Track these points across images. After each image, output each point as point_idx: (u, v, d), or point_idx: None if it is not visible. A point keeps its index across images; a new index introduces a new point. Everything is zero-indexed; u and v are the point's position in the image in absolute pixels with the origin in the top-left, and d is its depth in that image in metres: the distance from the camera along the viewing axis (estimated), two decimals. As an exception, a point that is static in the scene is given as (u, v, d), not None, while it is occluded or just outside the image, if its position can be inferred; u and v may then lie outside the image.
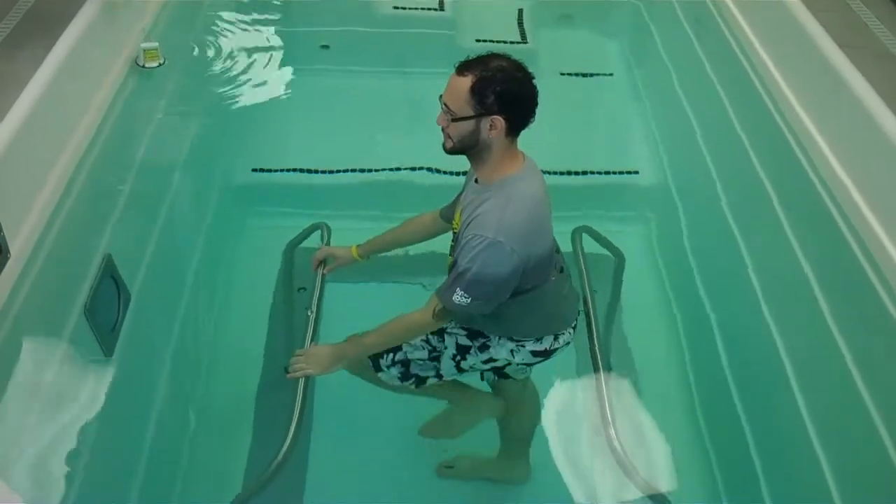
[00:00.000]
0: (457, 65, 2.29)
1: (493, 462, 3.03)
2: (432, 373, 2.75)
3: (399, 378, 2.74)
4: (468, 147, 2.33)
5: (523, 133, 2.37)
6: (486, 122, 2.25)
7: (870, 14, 3.88)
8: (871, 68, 3.36)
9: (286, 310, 3.52)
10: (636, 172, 4.38)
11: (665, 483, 2.89)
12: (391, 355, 2.71)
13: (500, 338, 2.59)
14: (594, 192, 4.30)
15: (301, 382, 2.64)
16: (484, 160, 2.35)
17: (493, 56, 2.29)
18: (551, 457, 3.02)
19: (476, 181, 2.43)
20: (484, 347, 2.62)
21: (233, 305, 3.63)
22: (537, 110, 2.31)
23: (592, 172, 4.32)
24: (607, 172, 4.37)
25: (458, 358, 2.67)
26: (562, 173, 4.22)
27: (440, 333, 2.67)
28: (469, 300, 2.33)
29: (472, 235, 2.28)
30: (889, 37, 3.68)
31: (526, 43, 5.35)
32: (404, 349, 2.71)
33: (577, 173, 4.28)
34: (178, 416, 3.21)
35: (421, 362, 2.73)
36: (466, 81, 2.24)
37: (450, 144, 2.36)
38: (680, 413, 3.24)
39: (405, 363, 2.72)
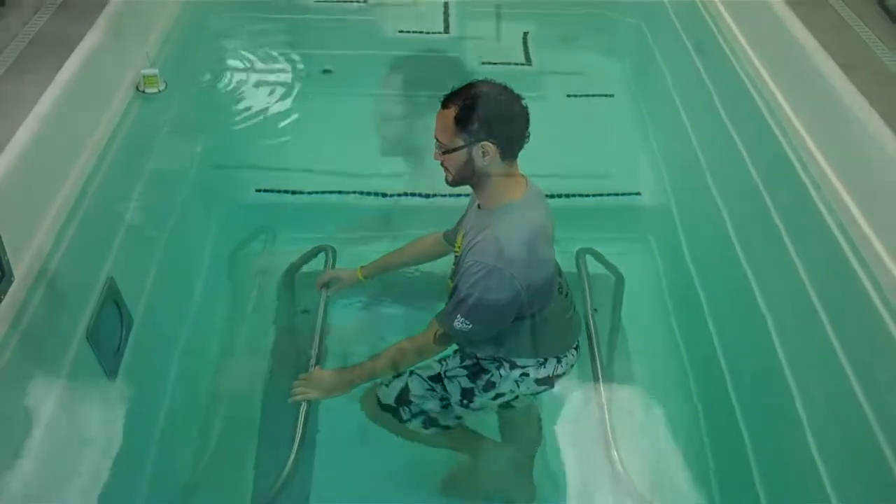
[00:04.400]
0: (441, 99, 2.31)
1: (497, 478, 3.00)
2: (452, 420, 2.74)
3: (423, 426, 2.73)
4: (467, 177, 2.35)
5: (525, 152, 2.38)
6: (477, 150, 2.26)
7: (870, 34, 3.88)
8: (870, 87, 3.34)
9: (289, 332, 3.53)
10: (638, 194, 4.39)
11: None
12: (408, 408, 2.72)
13: (501, 368, 2.57)
14: (596, 213, 4.31)
15: (303, 407, 2.64)
16: (484, 187, 2.36)
17: (475, 83, 2.31)
18: (555, 478, 3.01)
19: (479, 206, 2.43)
20: (489, 385, 2.61)
21: (237, 327, 3.63)
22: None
23: (595, 195, 4.34)
24: (609, 194, 4.37)
25: (466, 401, 2.66)
26: (564, 196, 4.22)
27: (441, 380, 2.67)
28: (470, 326, 2.33)
29: (472, 262, 2.29)
30: (889, 56, 3.68)
31: (530, 65, 5.39)
32: (415, 402, 2.70)
33: (579, 195, 4.28)
34: (182, 437, 3.21)
35: (437, 412, 2.72)
36: (451, 113, 2.26)
37: (450, 178, 2.38)
38: (684, 433, 3.23)
39: (423, 413, 2.72)
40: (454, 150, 2.29)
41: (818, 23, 3.92)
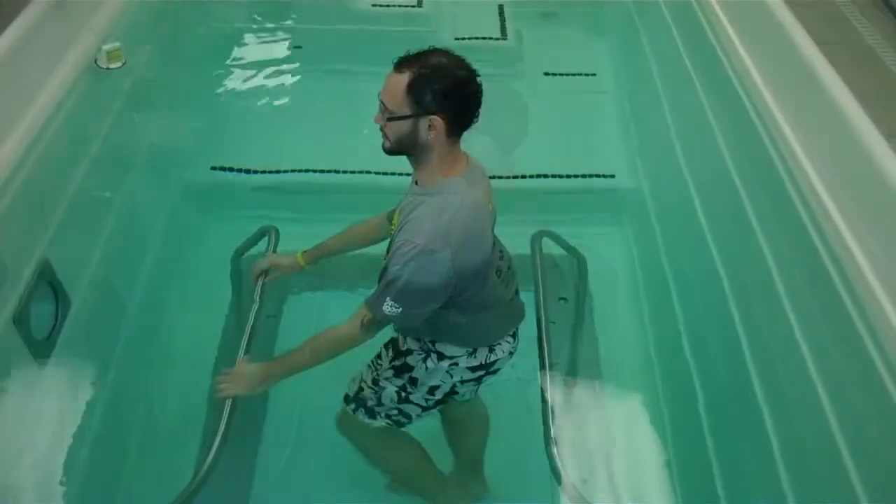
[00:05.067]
0: (395, 61, 2.17)
1: (449, 478, 2.95)
2: (400, 417, 2.66)
3: (370, 416, 2.67)
4: (407, 148, 2.22)
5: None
6: (424, 122, 2.15)
7: (855, 11, 3.76)
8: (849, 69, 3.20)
9: (237, 319, 3.39)
10: (612, 176, 4.29)
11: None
12: (354, 403, 2.67)
13: (428, 360, 2.49)
14: (569, 194, 4.22)
15: (227, 403, 2.52)
16: (423, 162, 2.24)
17: (434, 51, 2.18)
18: (502, 474, 2.97)
19: (416, 183, 2.32)
20: (413, 382, 2.53)
21: (185, 314, 3.57)
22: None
23: (568, 176, 4.23)
24: (583, 176, 4.27)
25: (404, 395, 2.58)
26: (535, 176, 4.15)
27: (377, 382, 2.60)
28: (400, 310, 2.21)
29: (402, 241, 2.17)
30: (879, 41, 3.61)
31: (506, 39, 5.25)
32: (361, 397, 2.66)
33: (551, 176, 4.19)
34: (123, 423, 3.15)
35: (378, 406, 2.64)
36: (404, 79, 2.12)
37: (387, 145, 2.24)
38: (643, 429, 3.19)
39: (366, 408, 2.66)
40: (400, 117, 2.16)
41: (809, 15, 3.83)
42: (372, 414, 2.65)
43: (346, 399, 2.70)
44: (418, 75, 2.12)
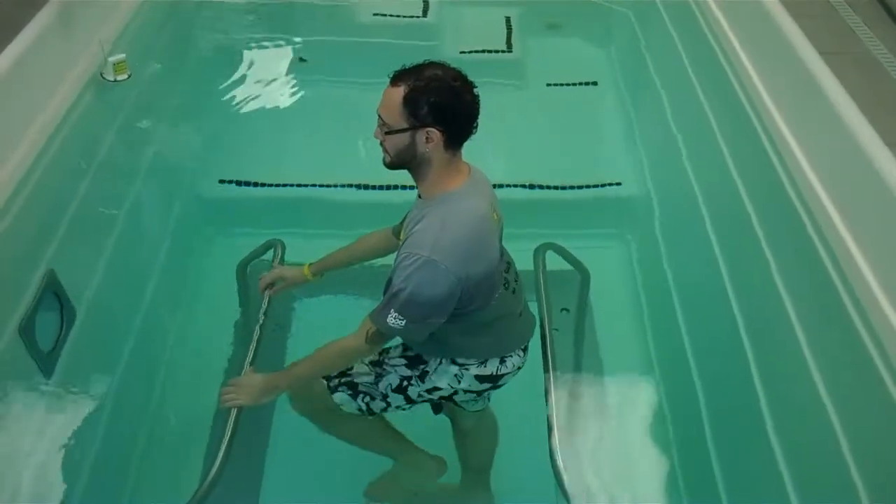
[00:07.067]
0: (390, 75, 2.19)
1: (453, 490, 2.95)
2: (381, 403, 2.62)
3: (350, 398, 2.60)
4: (406, 161, 2.23)
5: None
6: (421, 135, 2.16)
7: (857, 20, 3.78)
8: (852, 75, 3.26)
9: (243, 330, 3.41)
10: (618, 184, 4.27)
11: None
12: (338, 378, 2.60)
13: (440, 362, 2.48)
14: (575, 204, 4.22)
15: (232, 413, 2.52)
16: (424, 175, 2.25)
17: (429, 64, 2.18)
18: (507, 483, 2.98)
19: (419, 196, 2.33)
20: (424, 375, 2.51)
21: (190, 325, 3.56)
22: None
23: (574, 187, 4.22)
24: (589, 186, 4.25)
25: (405, 385, 2.55)
26: (541, 187, 4.14)
27: (381, 364, 2.57)
28: (404, 322, 2.21)
29: (406, 254, 2.17)
30: (883, 51, 3.60)
31: (511, 52, 5.28)
32: (350, 373, 2.60)
33: (555, 188, 4.18)
34: (127, 435, 3.14)
35: (368, 387, 2.60)
36: (399, 92, 2.13)
37: (388, 159, 2.25)
38: (646, 442, 3.17)
39: (352, 385, 2.60)
40: (397, 131, 2.17)
41: (810, 20, 3.84)
42: (355, 395, 2.60)
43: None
44: (413, 88, 2.12)
